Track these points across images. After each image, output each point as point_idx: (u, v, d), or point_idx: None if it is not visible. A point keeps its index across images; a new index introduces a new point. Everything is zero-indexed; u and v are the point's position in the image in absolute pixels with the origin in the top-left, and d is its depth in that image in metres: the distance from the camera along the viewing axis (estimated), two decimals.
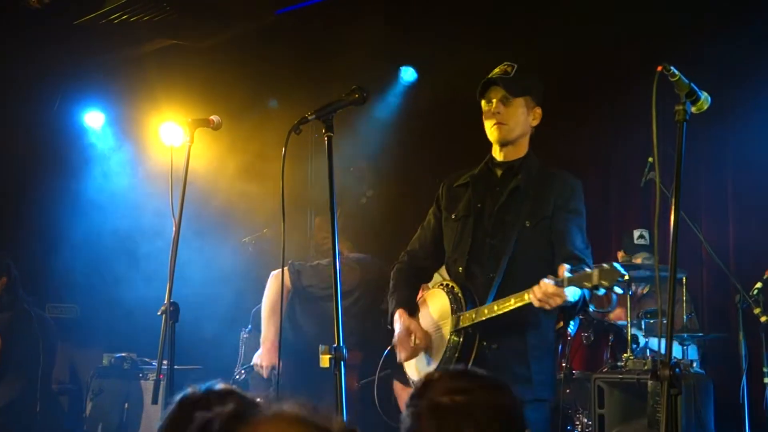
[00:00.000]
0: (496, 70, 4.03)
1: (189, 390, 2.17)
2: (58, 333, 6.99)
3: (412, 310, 4.09)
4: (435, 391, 2.19)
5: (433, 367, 3.89)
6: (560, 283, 3.46)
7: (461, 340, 3.83)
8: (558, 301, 3.50)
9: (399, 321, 4.03)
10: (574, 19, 6.62)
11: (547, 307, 3.54)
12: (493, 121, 3.99)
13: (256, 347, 5.66)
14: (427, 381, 2.24)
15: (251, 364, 5.52)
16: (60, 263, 8.15)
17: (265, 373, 5.15)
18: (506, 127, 3.98)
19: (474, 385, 2.21)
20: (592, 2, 6.58)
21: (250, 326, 6.26)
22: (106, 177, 8.24)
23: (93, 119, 8.54)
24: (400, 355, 4.06)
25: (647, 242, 6.51)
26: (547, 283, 3.49)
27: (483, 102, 4.04)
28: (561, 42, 6.70)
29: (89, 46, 7.66)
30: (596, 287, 3.37)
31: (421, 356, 4.04)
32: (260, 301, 5.85)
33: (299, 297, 5.67)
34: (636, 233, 6.56)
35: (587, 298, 3.70)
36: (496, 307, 3.71)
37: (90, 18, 6.88)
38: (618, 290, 3.44)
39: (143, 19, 6.84)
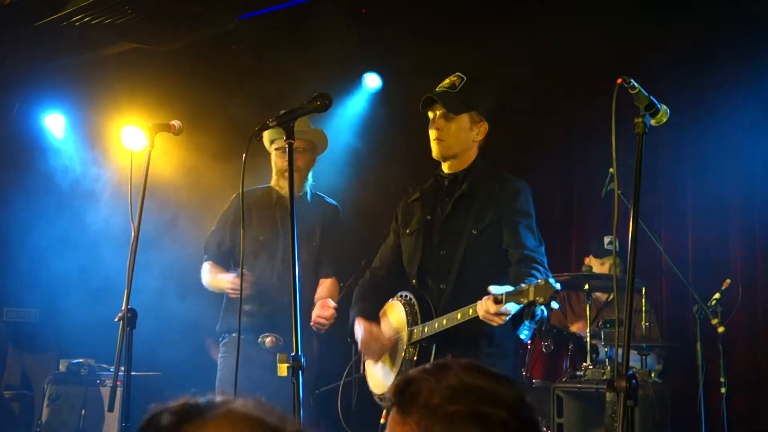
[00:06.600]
0: (445, 81, 4.01)
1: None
2: (11, 337, 6.86)
3: (372, 319, 4.08)
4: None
5: (391, 379, 3.88)
6: (499, 300, 3.48)
7: (416, 353, 3.82)
8: (501, 320, 3.51)
9: (360, 328, 4.03)
10: (541, 30, 6.65)
11: (493, 323, 3.54)
12: (433, 137, 3.98)
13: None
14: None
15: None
16: (20, 267, 8.04)
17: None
18: (444, 143, 3.97)
19: None
20: (560, 18, 6.62)
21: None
22: (67, 180, 8.14)
23: (54, 122, 8.43)
24: (370, 359, 4.05)
25: (617, 248, 6.53)
26: (488, 302, 3.49)
27: (429, 113, 4.03)
28: (527, 51, 6.72)
29: (50, 49, 7.58)
30: (532, 303, 3.37)
31: (380, 368, 4.03)
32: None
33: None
34: (606, 239, 6.62)
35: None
36: (445, 321, 3.71)
37: (51, 20, 6.80)
38: (554, 305, 3.44)
39: (105, 22, 6.76)
